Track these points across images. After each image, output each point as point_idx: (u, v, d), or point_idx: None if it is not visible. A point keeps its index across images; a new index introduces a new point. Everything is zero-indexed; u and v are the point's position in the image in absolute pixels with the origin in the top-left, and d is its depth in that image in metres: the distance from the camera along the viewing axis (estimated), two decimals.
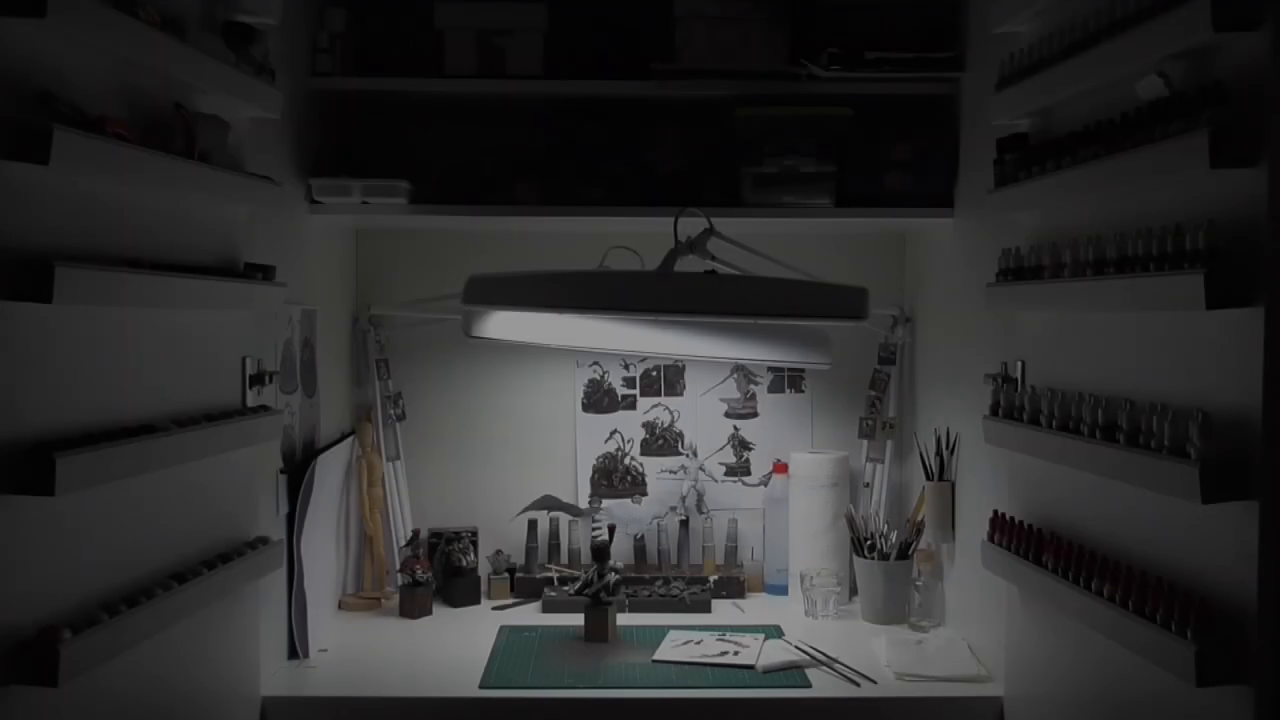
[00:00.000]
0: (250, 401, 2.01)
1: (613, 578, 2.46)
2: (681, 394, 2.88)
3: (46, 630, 1.41)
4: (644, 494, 2.86)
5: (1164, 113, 1.54)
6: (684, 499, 2.82)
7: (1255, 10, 1.37)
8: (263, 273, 1.98)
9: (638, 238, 2.52)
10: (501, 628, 2.49)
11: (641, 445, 2.88)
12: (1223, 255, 1.42)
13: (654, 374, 2.88)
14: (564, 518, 2.81)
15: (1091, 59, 1.69)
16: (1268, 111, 1.35)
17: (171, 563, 1.75)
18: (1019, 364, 2.02)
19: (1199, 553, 1.51)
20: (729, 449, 2.88)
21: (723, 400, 2.88)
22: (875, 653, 2.29)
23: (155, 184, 1.68)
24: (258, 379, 2.04)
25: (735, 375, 2.88)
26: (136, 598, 1.60)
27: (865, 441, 2.81)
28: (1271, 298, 1.35)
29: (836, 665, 2.22)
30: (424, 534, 2.74)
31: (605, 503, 2.84)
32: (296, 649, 2.25)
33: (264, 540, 2.01)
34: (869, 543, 2.56)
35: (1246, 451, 1.39)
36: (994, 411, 1.98)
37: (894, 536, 2.55)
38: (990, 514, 2.02)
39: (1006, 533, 1.95)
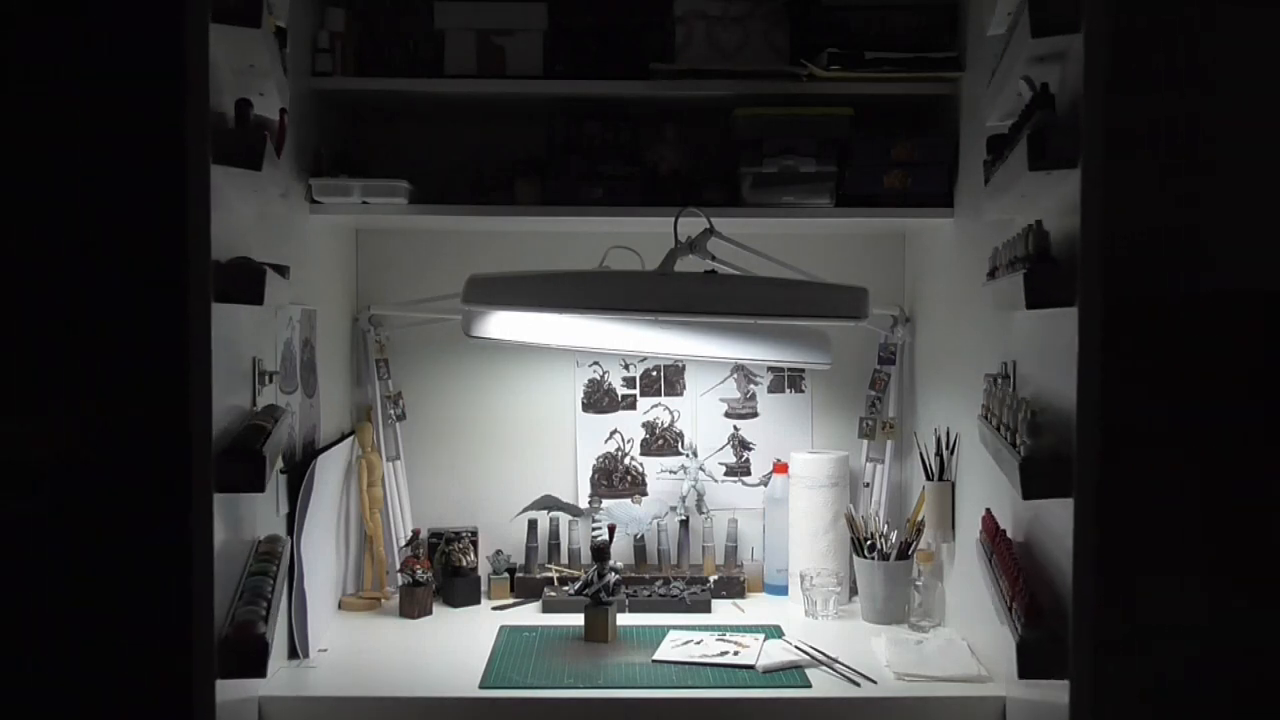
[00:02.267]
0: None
1: (613, 578, 2.46)
2: (681, 394, 2.88)
3: (243, 625, 1.41)
4: (644, 494, 2.86)
5: (1025, 116, 1.57)
6: (684, 499, 2.82)
7: (1071, 15, 1.39)
8: (282, 273, 1.99)
9: (638, 238, 2.52)
10: (501, 628, 2.49)
11: (641, 445, 2.88)
12: (1049, 256, 1.44)
13: (654, 374, 2.88)
14: (564, 518, 2.81)
15: (1004, 62, 1.73)
16: (1083, 112, 1.37)
17: (241, 561, 1.77)
18: (1012, 364, 2.02)
19: (1046, 549, 1.54)
20: (729, 449, 2.88)
21: (723, 400, 2.88)
22: (875, 653, 2.29)
23: (265, 186, 1.70)
24: (259, 379, 2.04)
25: (735, 375, 2.88)
26: (262, 590, 1.61)
27: (865, 441, 2.81)
28: (1084, 298, 1.36)
29: (836, 665, 2.22)
30: (424, 534, 2.74)
31: (605, 503, 2.84)
32: (296, 649, 2.25)
33: (276, 539, 2.01)
34: (869, 543, 2.56)
35: (1070, 449, 1.41)
36: (985, 412, 2.00)
37: (894, 536, 2.55)
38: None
39: (989, 533, 1.97)
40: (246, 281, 1.44)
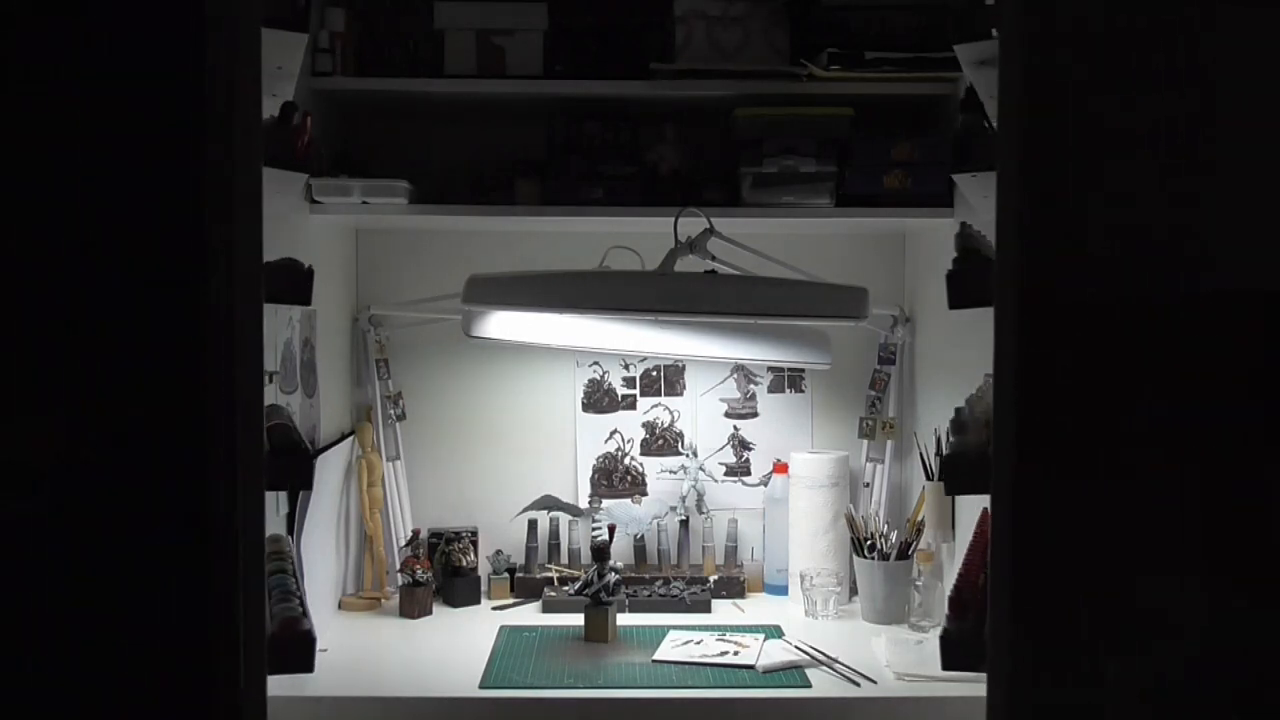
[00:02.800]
0: None
1: (613, 578, 2.46)
2: (681, 394, 2.88)
3: (288, 621, 1.41)
4: (644, 494, 2.87)
5: None
6: (684, 499, 2.82)
7: (985, 23, 1.41)
8: None
9: (638, 238, 2.52)
10: (501, 628, 2.49)
11: (641, 445, 2.88)
12: (975, 256, 1.45)
13: (654, 374, 2.88)
14: (564, 518, 2.81)
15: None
16: (999, 115, 1.38)
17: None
18: None
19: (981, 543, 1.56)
20: (729, 449, 2.88)
21: (723, 400, 2.88)
22: (875, 653, 2.29)
23: (289, 186, 1.71)
24: None
25: (735, 375, 2.88)
26: (289, 587, 1.62)
27: (865, 441, 2.81)
28: (1000, 298, 1.38)
29: (836, 665, 2.22)
30: (424, 534, 2.74)
31: (605, 503, 2.84)
32: None
33: (280, 538, 2.01)
34: (869, 543, 2.56)
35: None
36: None
37: (894, 536, 2.55)
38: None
39: (978, 532, 1.98)
40: (292, 282, 1.46)
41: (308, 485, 1.47)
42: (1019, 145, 1.35)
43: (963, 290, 1.46)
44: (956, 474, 1.48)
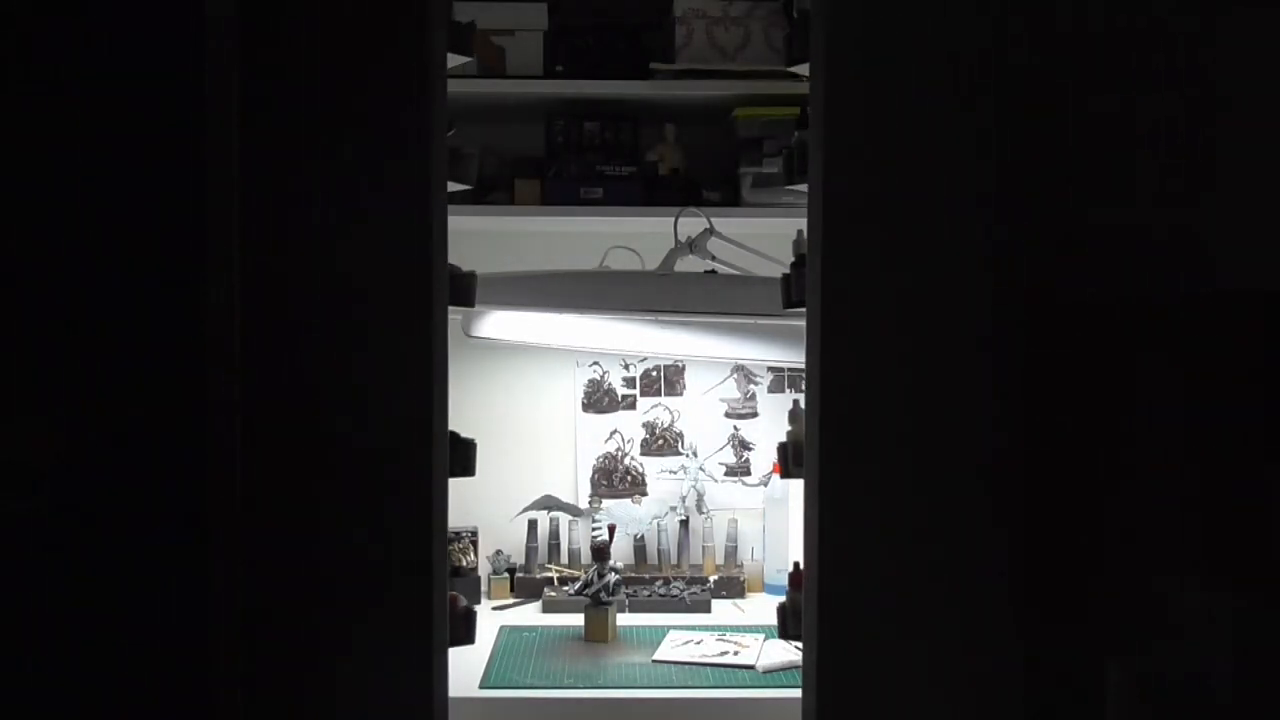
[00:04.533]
0: None
1: (613, 578, 2.46)
2: (681, 394, 2.88)
3: (452, 598, 1.48)
4: (644, 494, 2.87)
5: None
6: (684, 499, 2.82)
7: (805, 48, 1.49)
8: None
9: (638, 238, 2.52)
10: (501, 628, 2.50)
11: (641, 445, 2.88)
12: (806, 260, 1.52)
13: (654, 374, 2.88)
14: (564, 518, 2.81)
15: None
16: (810, 130, 1.46)
17: None
18: None
19: None
20: (729, 449, 2.88)
21: (723, 400, 2.88)
22: None
23: None
24: None
25: (735, 375, 2.88)
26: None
27: None
28: (813, 298, 1.44)
29: None
30: None
31: (605, 503, 2.84)
32: None
33: None
34: None
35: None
36: None
37: None
38: None
39: None
40: (454, 286, 1.53)
41: (471, 472, 1.53)
42: (822, 162, 1.43)
43: (790, 292, 1.58)
44: (784, 460, 1.61)
